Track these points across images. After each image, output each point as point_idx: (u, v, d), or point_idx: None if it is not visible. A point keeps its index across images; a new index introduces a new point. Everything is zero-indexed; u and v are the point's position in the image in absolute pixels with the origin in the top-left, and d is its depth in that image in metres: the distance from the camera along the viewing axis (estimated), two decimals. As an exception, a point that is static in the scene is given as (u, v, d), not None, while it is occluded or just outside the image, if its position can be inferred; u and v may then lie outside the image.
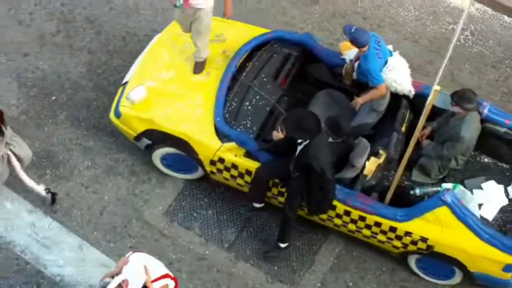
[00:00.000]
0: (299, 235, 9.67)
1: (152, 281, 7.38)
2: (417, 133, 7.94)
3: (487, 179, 9.43)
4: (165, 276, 7.57)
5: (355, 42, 9.19)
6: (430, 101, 7.50)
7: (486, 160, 9.64)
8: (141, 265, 7.38)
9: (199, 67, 9.66)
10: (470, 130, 8.94)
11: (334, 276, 9.48)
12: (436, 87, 7.40)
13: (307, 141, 8.44)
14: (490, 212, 9.22)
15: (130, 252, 7.65)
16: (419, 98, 9.33)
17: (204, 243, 9.61)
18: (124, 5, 11.57)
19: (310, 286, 9.39)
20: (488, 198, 9.30)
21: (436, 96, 9.23)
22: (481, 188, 9.36)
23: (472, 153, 9.56)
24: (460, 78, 11.10)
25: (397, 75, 9.37)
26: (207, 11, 9.29)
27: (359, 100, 9.56)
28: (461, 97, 8.85)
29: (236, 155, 9.14)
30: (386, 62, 9.36)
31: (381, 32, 11.32)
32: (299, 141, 8.51)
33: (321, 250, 9.65)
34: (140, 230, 9.67)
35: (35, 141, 10.21)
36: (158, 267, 7.56)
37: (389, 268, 9.58)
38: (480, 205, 9.22)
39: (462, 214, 8.58)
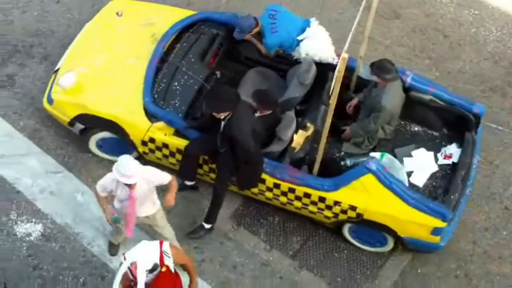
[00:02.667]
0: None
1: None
2: (333, 101, 8.02)
3: (417, 147, 9.62)
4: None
5: (241, 29, 9.65)
6: (339, 68, 7.62)
7: (415, 128, 9.79)
8: (149, 246, 7.51)
9: None
10: (391, 99, 9.09)
11: (397, 291, 9.53)
12: (344, 55, 7.52)
13: (229, 114, 8.60)
14: (420, 179, 9.40)
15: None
16: (346, 71, 9.47)
17: (269, 250, 9.65)
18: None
19: (371, 300, 9.45)
20: (418, 165, 9.48)
21: (361, 67, 9.57)
22: (411, 156, 9.53)
23: (402, 122, 9.75)
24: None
25: (317, 42, 9.62)
26: (159, 211, 8.80)
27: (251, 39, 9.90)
28: (378, 67, 9.03)
29: (165, 134, 9.29)
30: (303, 30, 9.67)
31: (461, 51, 11.50)
32: (222, 117, 8.66)
33: (386, 265, 9.61)
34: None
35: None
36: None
37: (455, 290, 9.62)
38: (410, 173, 9.39)
39: (387, 181, 8.73)
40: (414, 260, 9.64)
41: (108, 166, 9.91)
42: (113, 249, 9.42)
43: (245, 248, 9.65)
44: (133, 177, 7.92)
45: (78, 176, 10.04)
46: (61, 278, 9.27)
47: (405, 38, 11.67)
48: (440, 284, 9.51)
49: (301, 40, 9.61)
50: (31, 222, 9.67)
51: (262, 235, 9.76)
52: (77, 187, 9.97)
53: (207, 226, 9.51)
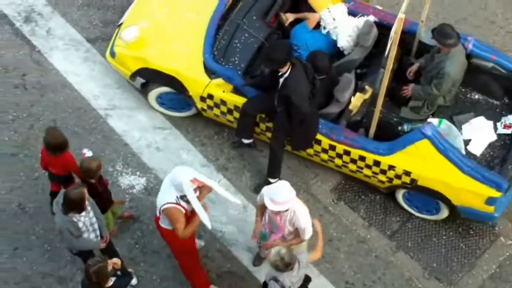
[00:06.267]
0: (465, 236, 9.55)
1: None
2: (390, 63, 7.97)
3: (477, 115, 9.48)
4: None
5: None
6: (396, 29, 7.56)
7: (476, 96, 9.65)
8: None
9: None
10: (454, 66, 8.95)
11: (493, 284, 9.25)
12: (401, 15, 7.45)
13: (287, 73, 8.60)
14: (478, 148, 9.29)
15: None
16: (408, 35, 9.42)
17: (367, 227, 9.59)
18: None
19: (466, 289, 9.32)
20: (476, 133, 9.34)
21: (423, 31, 9.44)
22: (470, 124, 9.40)
23: (462, 89, 9.62)
24: None
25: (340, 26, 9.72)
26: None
27: (289, 16, 9.84)
28: (439, 32, 8.86)
29: (224, 91, 9.35)
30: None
31: None
32: (280, 73, 8.67)
33: (485, 256, 9.42)
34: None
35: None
36: None
37: (554, 288, 9.30)
38: (468, 141, 9.29)
39: (442, 147, 8.65)
40: (514, 254, 9.48)
41: (215, 127, 10.10)
42: (258, 261, 9.27)
43: (343, 223, 9.59)
44: (285, 204, 7.60)
45: (185, 135, 10.12)
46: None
47: (530, 26, 11.18)
48: (541, 281, 9.30)
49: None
50: (135, 175, 9.84)
51: (362, 211, 9.68)
52: (182, 145, 10.06)
53: (273, 180, 9.46)
